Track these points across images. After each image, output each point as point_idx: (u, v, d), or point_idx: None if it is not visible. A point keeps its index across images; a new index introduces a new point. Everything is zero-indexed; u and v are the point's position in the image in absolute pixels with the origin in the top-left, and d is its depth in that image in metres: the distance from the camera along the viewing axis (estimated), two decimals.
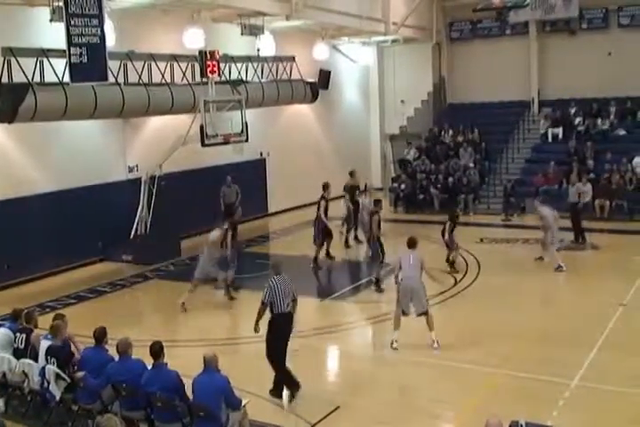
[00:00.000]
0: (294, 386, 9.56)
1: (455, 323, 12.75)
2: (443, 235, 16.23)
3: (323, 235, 17.03)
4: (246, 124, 17.08)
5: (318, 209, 16.99)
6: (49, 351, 8.68)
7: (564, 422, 8.54)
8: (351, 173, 19.44)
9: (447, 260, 16.13)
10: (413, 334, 12.37)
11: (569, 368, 10.13)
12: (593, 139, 23.72)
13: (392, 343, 11.27)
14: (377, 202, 16.00)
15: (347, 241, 18.80)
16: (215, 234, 14.32)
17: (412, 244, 11.80)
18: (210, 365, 7.61)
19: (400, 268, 11.51)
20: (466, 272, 15.82)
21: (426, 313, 11.40)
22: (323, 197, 17.11)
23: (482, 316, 12.85)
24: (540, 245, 16.36)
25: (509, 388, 9.70)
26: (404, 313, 11.44)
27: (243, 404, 7.88)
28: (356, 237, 18.84)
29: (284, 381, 9.59)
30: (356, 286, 15.64)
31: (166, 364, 7.90)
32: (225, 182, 19.46)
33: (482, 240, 19.00)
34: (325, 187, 17.33)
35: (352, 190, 18.88)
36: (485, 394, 9.60)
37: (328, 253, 17.39)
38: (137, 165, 18.56)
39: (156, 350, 7.82)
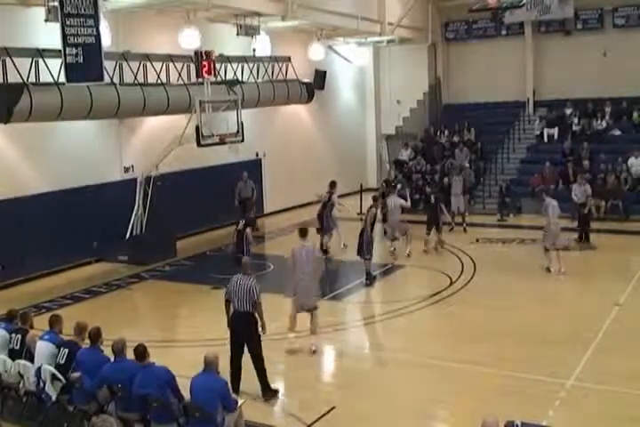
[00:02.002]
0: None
1: (450, 323, 12.78)
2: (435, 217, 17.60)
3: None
4: (242, 124, 17.08)
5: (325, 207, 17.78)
6: (63, 343, 8.70)
7: (559, 422, 8.57)
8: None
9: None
10: (410, 334, 12.42)
11: (565, 368, 10.15)
12: (588, 139, 23.75)
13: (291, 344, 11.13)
14: (375, 198, 16.50)
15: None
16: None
17: (302, 233, 11.62)
18: (210, 366, 7.61)
19: (294, 262, 11.30)
20: (461, 272, 15.84)
21: (314, 309, 11.30)
22: (330, 193, 17.94)
23: (477, 316, 12.87)
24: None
25: (505, 388, 9.70)
26: (299, 310, 11.39)
27: (238, 404, 7.88)
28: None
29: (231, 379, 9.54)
30: (351, 287, 15.65)
31: (154, 363, 7.90)
32: (241, 178, 20.34)
33: (477, 240, 19.03)
34: (332, 185, 18.12)
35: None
36: (481, 394, 9.59)
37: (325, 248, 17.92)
38: (133, 166, 18.53)
39: (141, 351, 7.83)
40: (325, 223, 17.71)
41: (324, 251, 17.51)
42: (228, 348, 9.86)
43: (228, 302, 9.75)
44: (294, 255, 11.32)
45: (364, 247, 15.26)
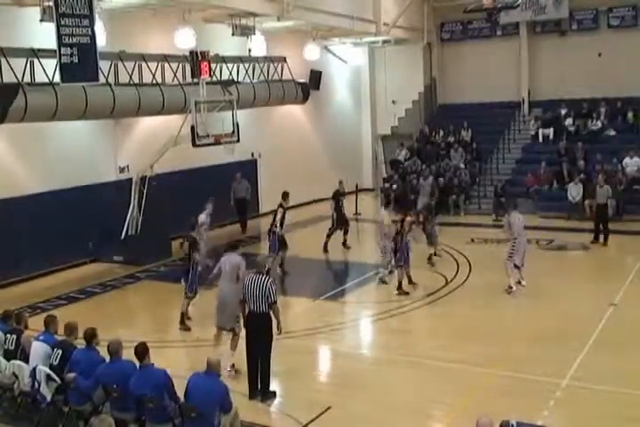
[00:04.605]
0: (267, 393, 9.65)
1: (446, 323, 12.78)
2: (424, 229, 16.52)
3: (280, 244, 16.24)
4: (237, 124, 17.07)
5: (274, 219, 16.27)
6: (57, 344, 8.69)
7: (555, 422, 8.58)
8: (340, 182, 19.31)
9: (430, 257, 16.55)
10: (406, 334, 12.43)
11: (560, 368, 10.17)
12: (583, 139, 23.80)
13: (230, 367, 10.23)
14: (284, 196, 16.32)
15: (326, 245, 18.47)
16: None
17: (230, 247, 11.16)
18: (212, 369, 7.58)
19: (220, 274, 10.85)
20: (457, 272, 15.85)
21: (232, 331, 10.55)
22: (281, 206, 16.35)
23: (473, 316, 12.88)
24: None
25: (500, 387, 9.72)
26: (220, 328, 10.70)
27: (234, 406, 7.85)
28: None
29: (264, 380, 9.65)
30: (347, 287, 15.68)
31: (152, 364, 7.88)
32: (235, 179, 20.61)
33: (473, 240, 19.04)
34: (284, 196, 16.47)
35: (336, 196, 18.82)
36: (476, 394, 9.62)
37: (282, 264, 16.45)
38: (128, 166, 18.51)
39: (141, 351, 7.80)
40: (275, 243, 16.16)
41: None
42: (222, 348, 9.88)
43: (243, 302, 9.71)
44: (220, 267, 10.85)
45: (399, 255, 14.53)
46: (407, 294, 14.20)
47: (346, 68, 27.93)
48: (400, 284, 14.37)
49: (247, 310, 9.67)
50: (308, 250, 18.28)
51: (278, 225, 16.11)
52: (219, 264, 10.99)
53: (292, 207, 23.40)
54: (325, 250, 18.22)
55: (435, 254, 16.81)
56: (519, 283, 14.18)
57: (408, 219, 15.02)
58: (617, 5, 25.26)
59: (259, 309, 9.52)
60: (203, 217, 15.12)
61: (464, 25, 27.97)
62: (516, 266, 14.09)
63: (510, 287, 14.03)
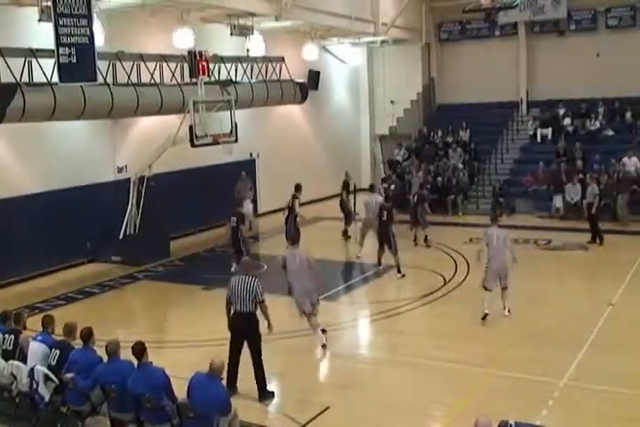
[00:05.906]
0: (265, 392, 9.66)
1: (444, 323, 12.77)
2: (414, 215, 18.67)
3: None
4: (236, 124, 17.06)
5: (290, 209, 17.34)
6: (55, 344, 8.68)
7: (553, 422, 8.57)
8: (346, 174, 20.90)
9: (425, 239, 18.45)
10: (404, 334, 12.42)
11: (558, 368, 10.17)
12: (581, 139, 23.83)
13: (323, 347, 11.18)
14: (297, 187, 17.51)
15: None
16: None
17: (293, 240, 11.77)
18: (214, 372, 7.59)
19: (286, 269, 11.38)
20: (455, 272, 15.85)
21: (309, 314, 11.26)
22: (295, 197, 17.44)
23: (471, 316, 12.85)
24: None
25: (499, 387, 9.72)
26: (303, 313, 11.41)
27: (233, 407, 7.85)
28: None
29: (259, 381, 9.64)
30: (346, 287, 15.66)
31: (151, 363, 7.88)
32: (240, 178, 20.94)
33: (471, 240, 18.99)
34: (297, 188, 17.63)
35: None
36: (475, 394, 9.62)
37: None
38: (126, 166, 18.49)
39: (139, 350, 7.80)
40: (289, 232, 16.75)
41: None
42: (220, 348, 9.84)
43: (229, 303, 9.69)
44: (287, 262, 11.39)
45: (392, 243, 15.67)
46: (403, 276, 15.43)
47: (344, 68, 27.93)
48: (398, 267, 15.43)
49: (232, 311, 9.66)
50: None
51: (298, 213, 17.30)
52: (284, 258, 11.43)
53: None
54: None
55: (425, 239, 18.55)
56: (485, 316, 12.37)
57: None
58: (615, 6, 25.31)
59: (245, 309, 9.51)
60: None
61: (462, 25, 27.99)
62: (485, 288, 12.53)
63: (486, 315, 12.30)
